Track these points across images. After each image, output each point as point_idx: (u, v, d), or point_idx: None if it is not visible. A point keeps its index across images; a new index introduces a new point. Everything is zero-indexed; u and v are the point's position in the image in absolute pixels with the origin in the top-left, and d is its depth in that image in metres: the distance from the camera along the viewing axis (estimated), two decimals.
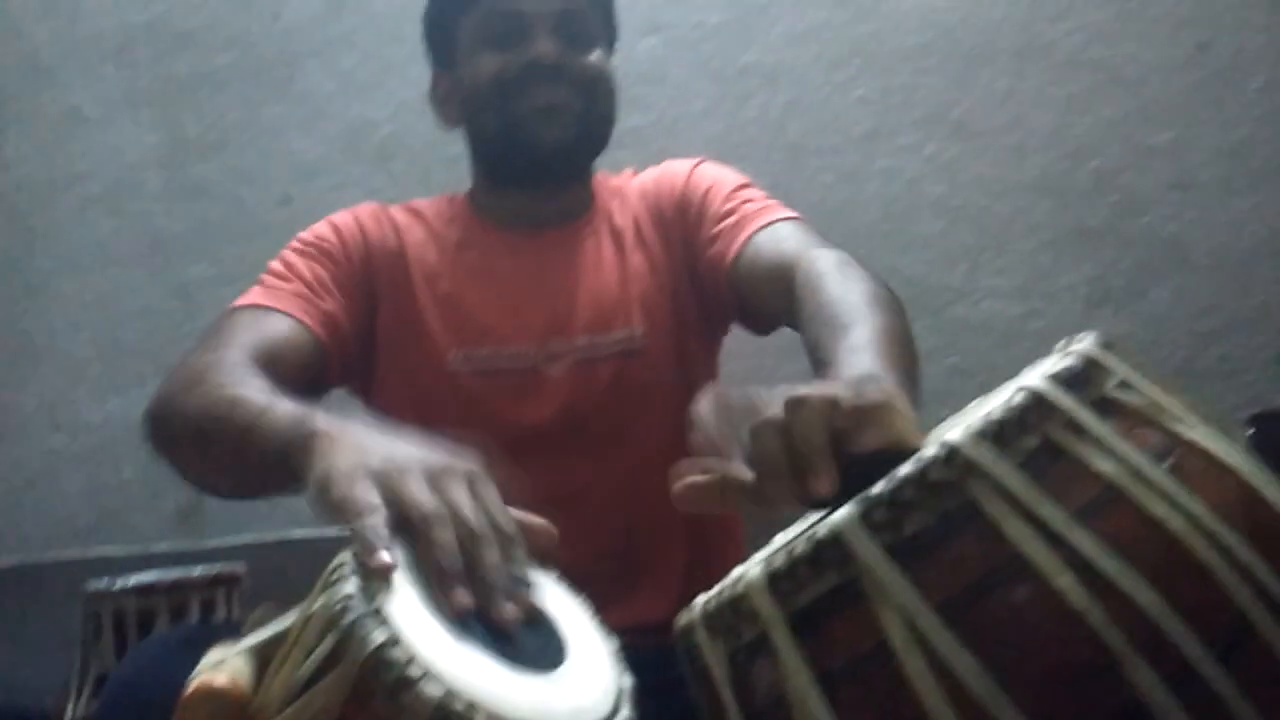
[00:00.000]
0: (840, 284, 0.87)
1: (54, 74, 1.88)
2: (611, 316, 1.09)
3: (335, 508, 0.61)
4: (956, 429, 0.51)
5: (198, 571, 1.41)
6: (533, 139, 1.07)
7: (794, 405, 0.58)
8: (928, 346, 1.57)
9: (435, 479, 0.61)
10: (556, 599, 0.63)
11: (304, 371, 0.99)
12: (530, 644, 0.57)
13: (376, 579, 0.53)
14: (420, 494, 0.60)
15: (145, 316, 1.80)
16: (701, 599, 0.57)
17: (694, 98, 1.70)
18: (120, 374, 1.80)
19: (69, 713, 1.31)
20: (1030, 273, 1.59)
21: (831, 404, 0.58)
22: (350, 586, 0.51)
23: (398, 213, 1.17)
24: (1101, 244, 1.57)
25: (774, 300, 0.98)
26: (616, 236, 1.14)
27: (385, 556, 0.54)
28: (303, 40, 1.77)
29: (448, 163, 1.71)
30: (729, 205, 1.11)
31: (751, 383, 0.64)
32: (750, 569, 0.53)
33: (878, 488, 0.50)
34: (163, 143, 1.82)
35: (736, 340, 1.21)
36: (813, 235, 1.03)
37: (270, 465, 0.74)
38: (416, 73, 1.74)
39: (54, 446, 1.81)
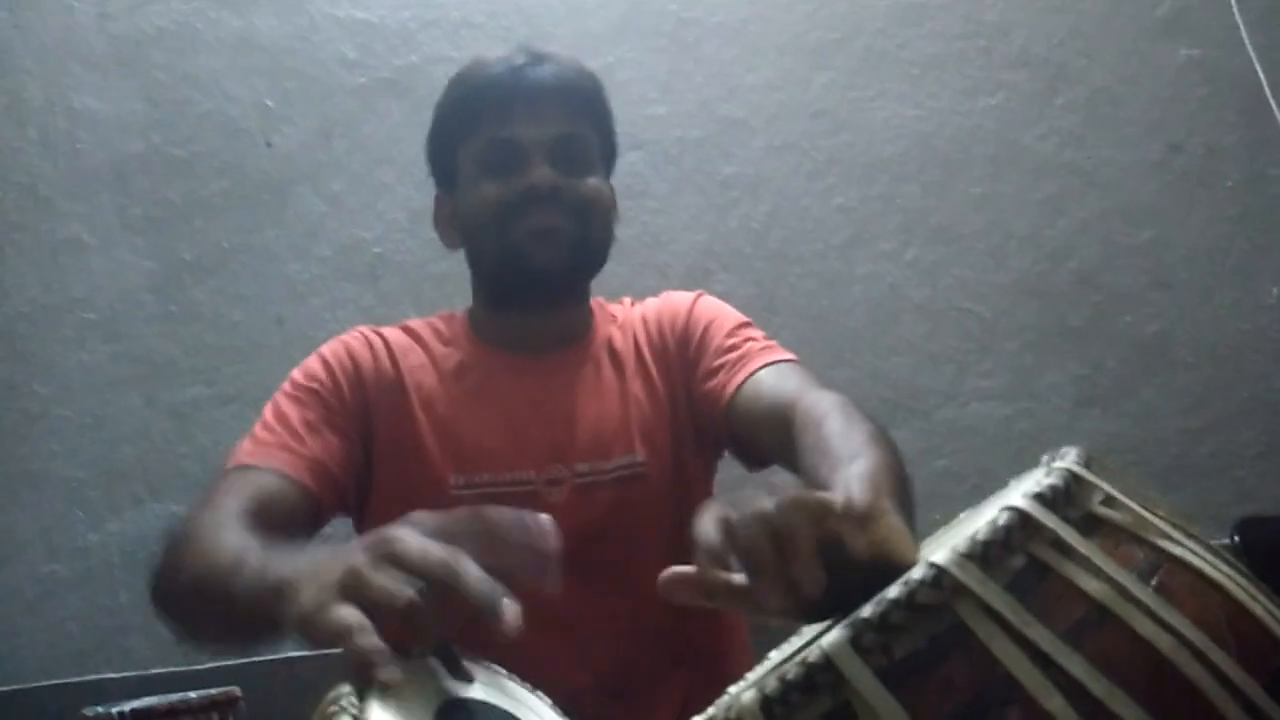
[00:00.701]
0: (841, 423, 0.88)
1: (52, 204, 1.92)
2: (612, 442, 1.10)
3: (326, 638, 0.61)
4: (943, 550, 0.51)
5: (194, 696, 1.38)
6: (528, 262, 1.10)
7: (786, 501, 0.58)
8: (916, 450, 1.60)
9: (390, 563, 0.61)
10: (546, 717, 0.63)
11: (295, 519, 1.01)
12: None
13: (368, 696, 0.53)
14: (386, 591, 0.60)
15: (142, 439, 1.81)
16: None
17: (677, 210, 1.74)
18: (117, 497, 1.80)
19: None
20: (1016, 374, 1.61)
21: (824, 505, 0.58)
22: (346, 718, 0.51)
23: (393, 335, 1.18)
24: (1086, 343, 1.60)
25: (771, 436, 0.99)
26: (616, 362, 1.16)
27: (394, 671, 0.54)
28: (293, 166, 1.83)
29: (436, 280, 1.75)
30: (731, 341, 1.13)
31: None
32: (743, 692, 0.53)
33: (867, 611, 0.50)
34: (159, 268, 1.85)
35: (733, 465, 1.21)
36: (812, 377, 1.04)
37: (254, 619, 0.75)
38: (404, 194, 1.81)
39: (51, 571, 1.79)
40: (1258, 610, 0.50)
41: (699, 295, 1.22)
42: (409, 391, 1.12)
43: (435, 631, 0.60)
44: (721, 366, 1.10)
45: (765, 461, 1.10)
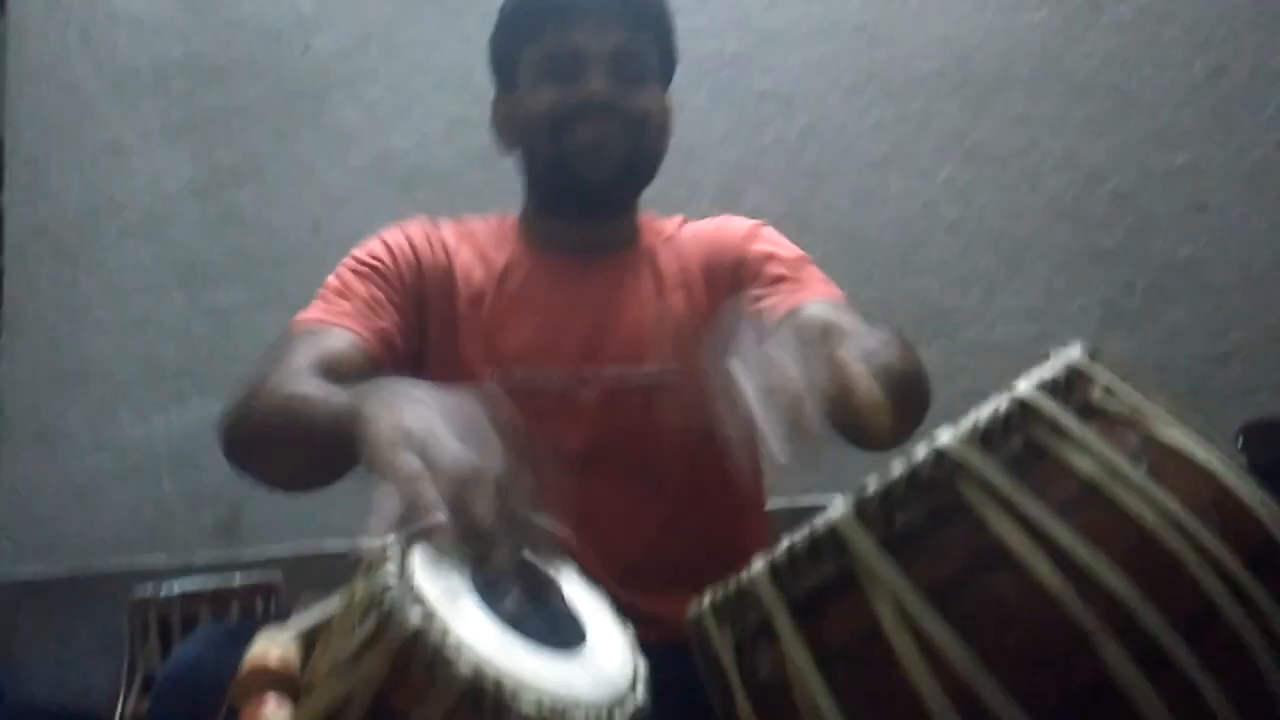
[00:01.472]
0: (877, 344, 0.89)
1: (94, 107, 1.96)
2: (645, 350, 1.13)
3: (383, 473, 0.65)
4: (947, 432, 0.54)
5: (238, 580, 1.45)
6: (579, 172, 1.11)
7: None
8: (941, 369, 1.61)
9: (468, 468, 0.65)
10: (577, 590, 0.67)
11: (360, 382, 1.04)
12: (554, 626, 0.61)
13: (406, 552, 0.57)
14: (455, 460, 0.63)
15: (183, 339, 1.87)
16: (710, 591, 0.60)
17: (712, 124, 1.74)
18: (161, 393, 1.86)
19: (117, 711, 1.36)
20: (1045, 295, 1.61)
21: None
22: (390, 568, 0.55)
23: (448, 230, 1.20)
24: (1116, 266, 1.60)
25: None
26: (658, 275, 1.18)
27: (438, 517, 0.58)
28: (331, 73, 1.84)
29: (472, 190, 1.77)
30: (792, 273, 1.13)
31: None
32: (756, 561, 0.57)
33: (870, 485, 0.53)
34: (198, 173, 1.89)
35: None
36: (860, 313, 1.06)
37: (333, 448, 0.79)
38: (440, 103, 1.82)
39: (99, 463, 1.87)
40: (1243, 493, 0.52)
41: (760, 223, 1.23)
42: (458, 285, 1.15)
43: (489, 511, 0.63)
44: (776, 292, 1.11)
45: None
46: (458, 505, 0.62)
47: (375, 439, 0.68)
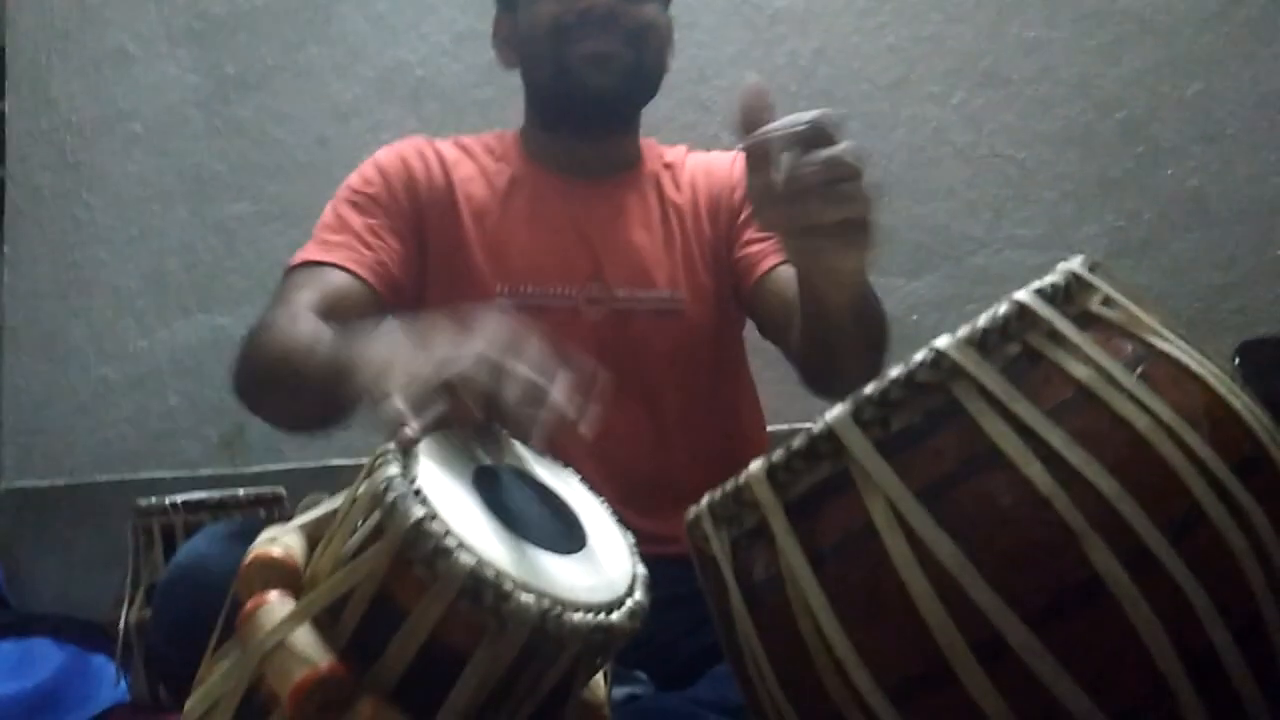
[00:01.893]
0: None
1: (98, 13, 1.93)
2: (654, 274, 1.14)
3: (374, 405, 0.66)
4: (945, 337, 0.54)
5: (241, 492, 1.48)
6: (582, 85, 1.11)
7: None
8: (946, 295, 1.62)
9: (460, 358, 0.65)
10: (578, 495, 0.68)
11: (362, 317, 1.05)
12: (555, 528, 0.62)
13: (409, 454, 0.58)
14: (440, 366, 0.64)
15: (188, 251, 1.87)
16: (709, 494, 0.61)
17: (724, 43, 1.72)
18: (165, 306, 1.87)
19: (122, 619, 1.39)
20: (1053, 223, 1.61)
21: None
22: (393, 468, 0.56)
23: (446, 147, 1.20)
24: (1124, 195, 1.59)
25: (785, 321, 1.04)
26: (663, 201, 1.18)
27: (409, 429, 0.58)
28: None
29: (480, 105, 1.76)
30: None
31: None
32: (753, 463, 0.58)
33: (869, 387, 0.54)
34: (203, 83, 1.87)
35: None
36: None
37: (332, 395, 0.80)
38: (449, 15, 1.79)
39: (103, 374, 1.88)
40: (1235, 403, 0.53)
41: None
42: (460, 202, 1.14)
43: (474, 410, 0.64)
44: (761, 242, 1.13)
45: (776, 338, 1.13)
46: (451, 410, 0.62)
47: (366, 374, 0.68)
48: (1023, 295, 0.54)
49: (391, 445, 0.59)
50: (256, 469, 1.77)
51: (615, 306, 1.12)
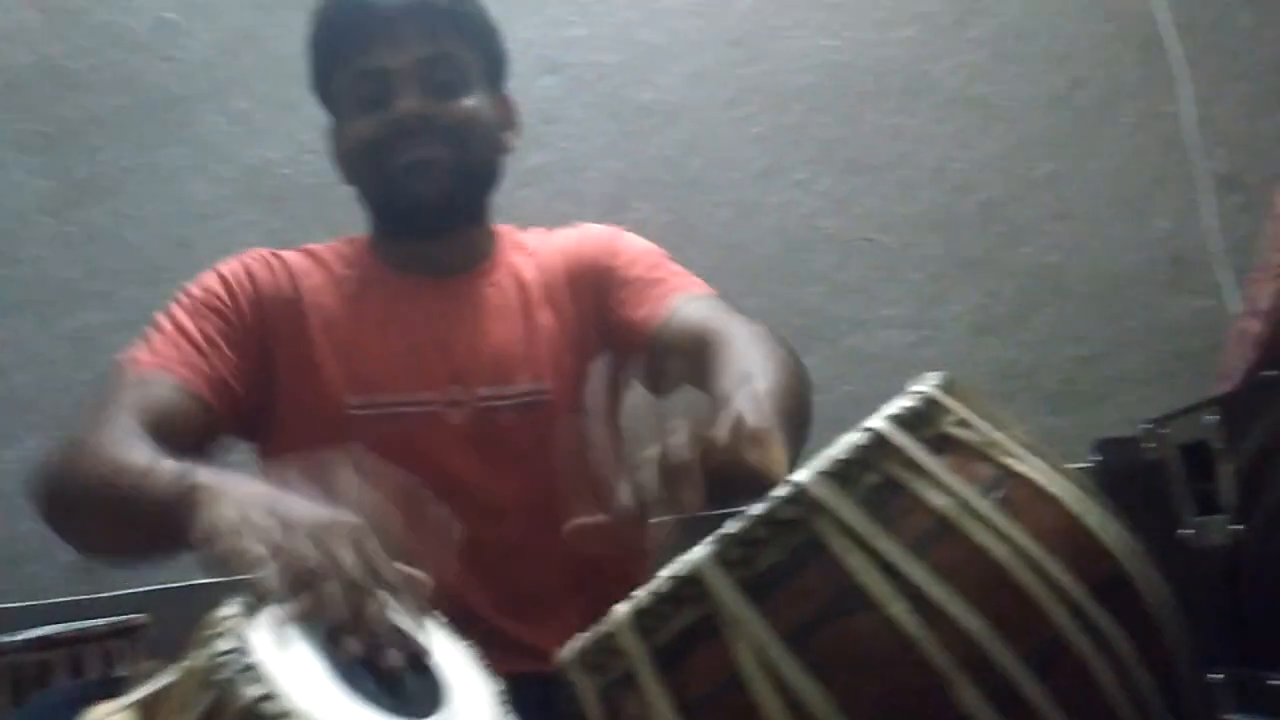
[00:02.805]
0: (750, 347, 0.90)
1: None
2: (516, 368, 1.11)
3: (224, 560, 0.62)
4: (804, 469, 0.54)
5: (97, 623, 1.38)
6: (408, 195, 1.09)
7: (676, 441, 0.62)
8: (825, 376, 1.64)
9: (319, 533, 0.63)
10: (441, 645, 0.65)
11: (193, 435, 0.99)
12: (414, 690, 0.58)
13: (252, 619, 0.54)
14: (306, 548, 0.61)
15: (38, 365, 1.76)
16: (578, 638, 0.59)
17: (594, 136, 1.73)
18: (14, 425, 1.75)
19: None
20: (920, 302, 1.65)
21: (709, 441, 0.62)
22: (229, 640, 0.52)
23: (293, 257, 1.16)
24: (986, 273, 1.65)
25: (689, 361, 1.00)
26: (522, 290, 1.16)
27: (284, 606, 0.55)
28: (196, 82, 1.77)
29: (346, 203, 1.70)
30: (655, 274, 1.13)
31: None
32: (620, 606, 0.56)
33: (732, 526, 0.53)
34: (54, 187, 1.78)
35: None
36: (728, 308, 1.06)
37: (156, 525, 0.75)
38: (313, 113, 1.74)
39: None
40: (1091, 523, 0.53)
41: (618, 229, 1.22)
42: (308, 312, 1.11)
43: (339, 603, 0.61)
44: (643, 299, 1.11)
45: (675, 386, 1.12)
46: (309, 579, 0.59)
47: (215, 526, 0.64)
48: (879, 423, 0.54)
49: (231, 611, 0.55)
50: (115, 592, 1.66)
51: (478, 407, 1.09)
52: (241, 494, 0.67)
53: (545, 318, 1.14)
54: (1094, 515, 0.54)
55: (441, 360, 1.10)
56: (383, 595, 0.61)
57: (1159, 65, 1.67)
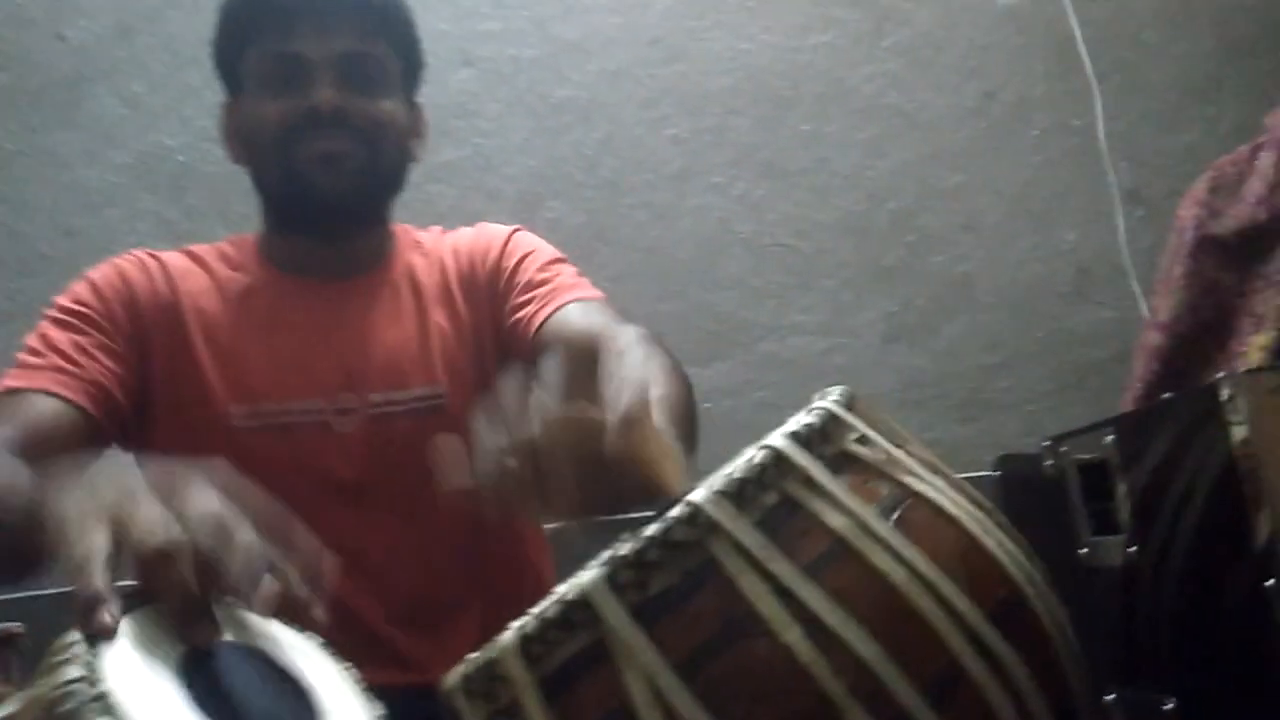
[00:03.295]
0: (640, 355, 0.87)
1: None
2: (410, 371, 1.07)
3: (67, 569, 0.57)
4: (700, 487, 0.52)
5: None
6: (312, 188, 1.05)
7: (551, 424, 0.59)
8: (738, 381, 1.64)
9: (169, 503, 0.57)
10: (317, 666, 0.61)
11: (74, 445, 0.95)
12: (284, 713, 0.55)
13: (101, 643, 0.50)
14: (151, 527, 0.56)
15: None
16: (466, 660, 0.56)
17: (509, 132, 1.70)
18: None
19: None
20: (833, 309, 1.66)
21: (586, 424, 0.59)
22: (74, 669, 0.48)
23: (172, 258, 1.11)
24: (897, 282, 1.66)
25: (575, 368, 0.98)
26: (418, 290, 1.13)
27: (105, 618, 0.50)
28: (90, 62, 1.69)
29: (247, 194, 1.65)
30: (545, 275, 1.11)
31: None
32: (507, 632, 0.53)
33: (623, 548, 0.50)
34: None
35: None
36: (616, 314, 1.05)
37: (26, 539, 0.70)
38: (213, 98, 1.68)
39: None
40: (989, 545, 0.52)
41: (516, 229, 1.20)
42: (187, 317, 1.06)
43: (189, 583, 0.56)
44: (532, 299, 1.09)
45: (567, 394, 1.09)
46: (161, 584, 0.54)
47: (60, 524, 0.59)
48: (778, 441, 0.52)
49: (76, 636, 0.50)
50: None
51: (371, 414, 1.05)
52: (87, 493, 0.61)
53: (440, 318, 1.11)
54: (992, 536, 0.53)
55: (331, 366, 1.06)
56: (243, 585, 0.56)
57: (1071, 79, 1.71)
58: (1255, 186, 1.03)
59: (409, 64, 1.14)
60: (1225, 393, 0.58)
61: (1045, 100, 1.72)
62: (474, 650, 1.04)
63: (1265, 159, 1.05)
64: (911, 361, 1.63)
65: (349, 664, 0.63)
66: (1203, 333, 1.01)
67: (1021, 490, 0.72)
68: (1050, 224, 1.69)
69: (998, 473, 0.73)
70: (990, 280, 1.66)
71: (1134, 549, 0.59)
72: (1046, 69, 1.72)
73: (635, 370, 0.83)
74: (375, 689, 0.62)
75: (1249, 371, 0.60)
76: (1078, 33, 1.72)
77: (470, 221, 1.66)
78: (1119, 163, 1.69)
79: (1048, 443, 0.61)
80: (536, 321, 1.06)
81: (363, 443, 1.04)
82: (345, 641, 0.65)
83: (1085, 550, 0.60)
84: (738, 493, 0.51)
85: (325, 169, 1.04)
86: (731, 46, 1.72)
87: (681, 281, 1.65)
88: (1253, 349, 0.95)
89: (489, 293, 1.12)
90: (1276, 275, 0.98)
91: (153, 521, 0.55)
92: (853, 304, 1.66)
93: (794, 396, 1.80)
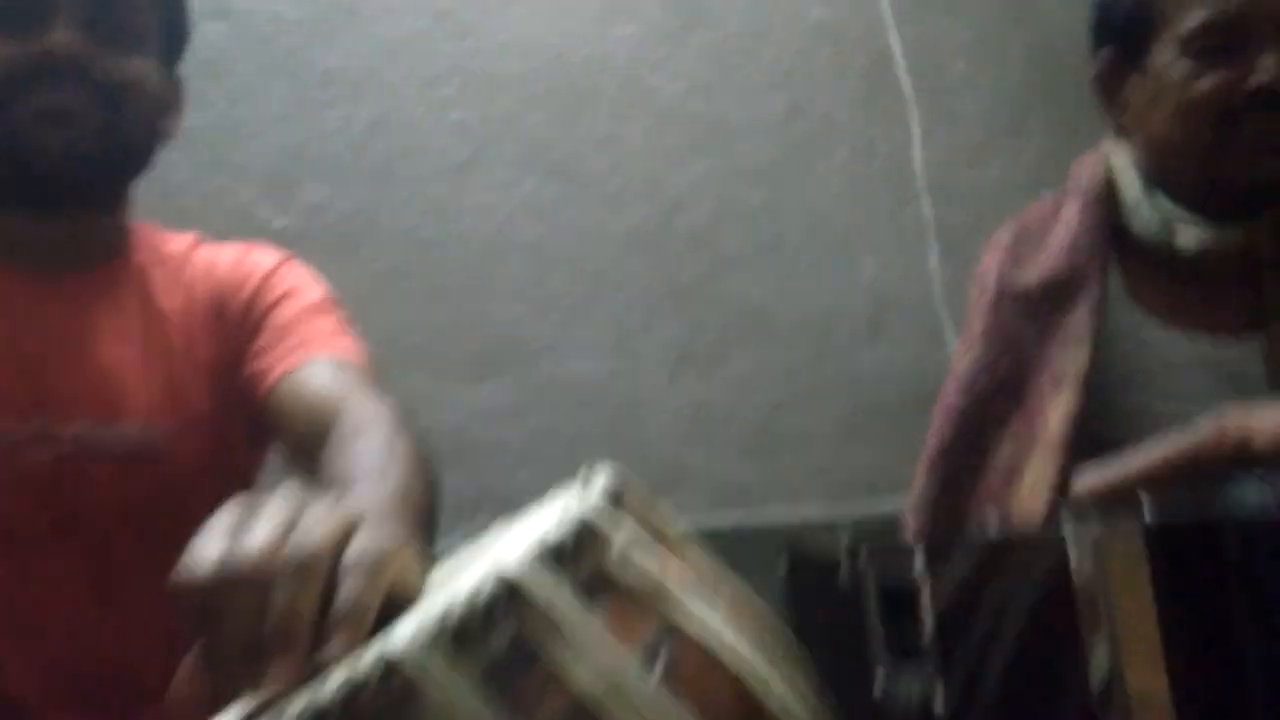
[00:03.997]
0: (375, 440, 0.78)
1: None
2: (120, 403, 0.90)
3: None
4: (410, 622, 0.38)
5: None
6: (33, 147, 0.88)
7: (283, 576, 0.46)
8: (513, 403, 1.48)
9: None
10: None
11: None
12: None
13: None
14: None
15: None
16: None
17: (265, 100, 1.48)
18: None
19: None
20: (622, 329, 1.53)
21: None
22: None
23: None
24: (691, 304, 1.56)
25: (305, 438, 0.86)
26: (148, 305, 0.95)
27: None
28: None
29: None
30: (299, 322, 0.96)
31: None
32: None
33: (327, 693, 0.36)
34: None
35: None
36: (368, 378, 0.92)
37: None
38: None
39: None
40: (770, 699, 0.41)
41: (286, 259, 1.03)
42: None
43: None
44: (275, 349, 0.93)
45: (308, 461, 0.94)
46: None
47: None
48: (517, 569, 0.38)
49: None
50: None
51: (68, 447, 0.87)
52: None
53: (177, 344, 0.93)
54: (775, 684, 0.41)
55: (26, 380, 0.88)
56: None
57: (881, 99, 1.65)
58: (1060, 236, 0.98)
59: (171, 30, 0.98)
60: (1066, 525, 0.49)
61: (853, 119, 1.65)
62: None
63: (1069, 208, 1.00)
64: (699, 392, 1.52)
65: None
66: (998, 391, 0.95)
67: (811, 600, 0.62)
68: (848, 252, 1.62)
69: (784, 571, 0.63)
70: (785, 310, 1.58)
71: (937, 677, 0.49)
72: (856, 85, 1.65)
73: (367, 460, 0.74)
74: None
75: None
76: (897, 52, 1.66)
77: (210, 200, 1.43)
78: (923, 193, 1.64)
79: (848, 552, 0.52)
80: (272, 377, 0.91)
81: (53, 479, 0.86)
82: None
83: (883, 677, 0.50)
84: (457, 636, 0.37)
85: (55, 124, 0.88)
86: (527, 28, 1.57)
87: (455, 287, 1.49)
88: (1053, 415, 0.89)
89: (239, 328, 0.95)
90: (1078, 330, 0.93)
91: None
92: (641, 325, 1.54)
93: (573, 424, 1.65)
